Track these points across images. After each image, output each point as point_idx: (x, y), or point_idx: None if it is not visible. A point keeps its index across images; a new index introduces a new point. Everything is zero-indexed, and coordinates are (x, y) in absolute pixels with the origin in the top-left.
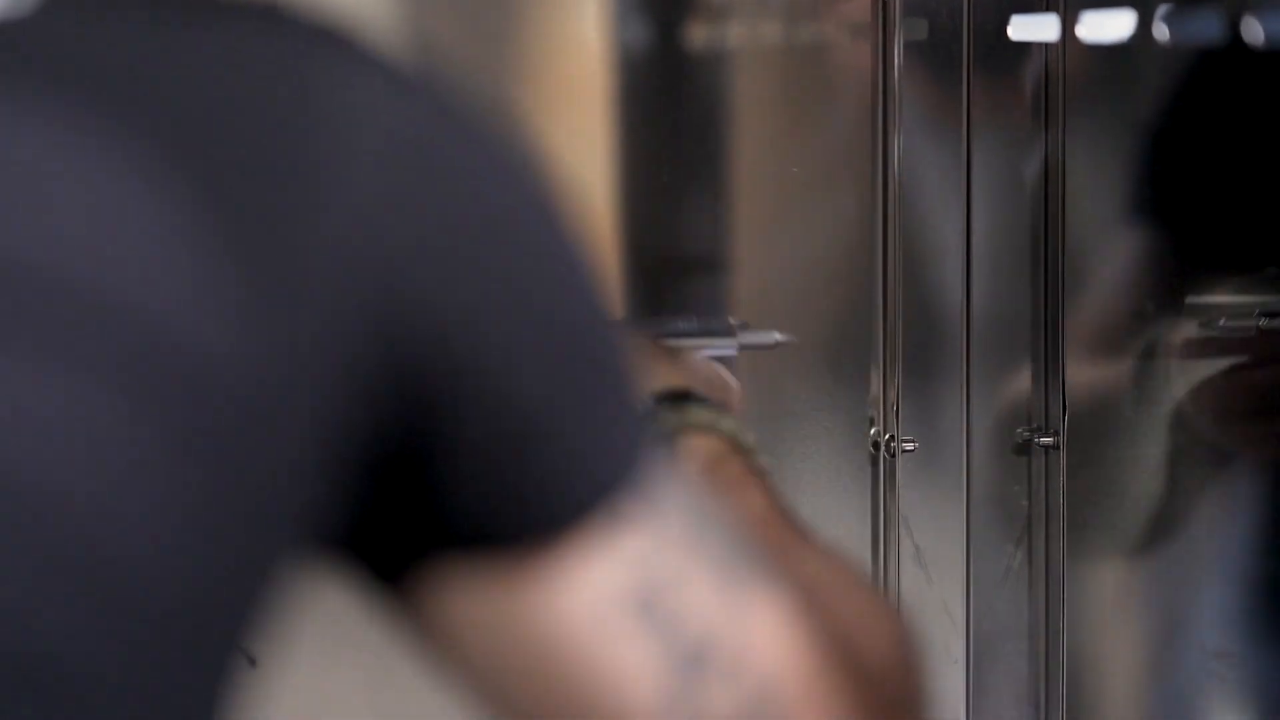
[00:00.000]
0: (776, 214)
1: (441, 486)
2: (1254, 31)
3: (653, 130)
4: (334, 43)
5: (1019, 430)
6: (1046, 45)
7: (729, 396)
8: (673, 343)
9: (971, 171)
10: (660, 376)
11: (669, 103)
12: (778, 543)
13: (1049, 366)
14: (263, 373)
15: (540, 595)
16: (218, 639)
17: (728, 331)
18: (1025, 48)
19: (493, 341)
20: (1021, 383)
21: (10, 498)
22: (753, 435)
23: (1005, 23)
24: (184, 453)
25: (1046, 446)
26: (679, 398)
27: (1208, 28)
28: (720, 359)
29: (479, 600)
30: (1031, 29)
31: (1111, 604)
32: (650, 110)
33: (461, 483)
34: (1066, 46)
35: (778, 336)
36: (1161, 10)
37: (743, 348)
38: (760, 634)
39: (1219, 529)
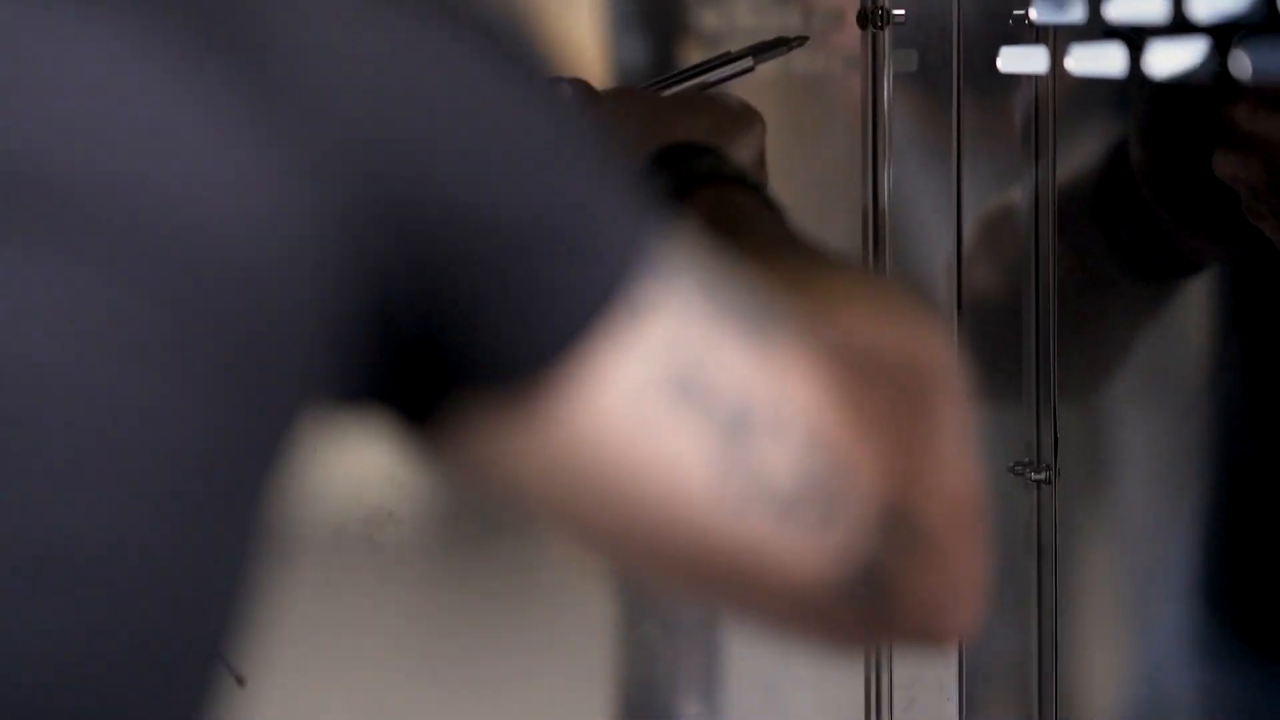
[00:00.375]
0: None
1: (457, 323)
2: (1241, 65)
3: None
4: None
5: (1012, 465)
6: (1036, 77)
7: (747, 127)
8: (685, 85)
9: (962, 202)
10: (661, 132)
11: None
12: (793, 270)
13: (1040, 401)
14: (260, 239)
15: (578, 406)
16: (237, 514)
17: (738, 55)
18: (1015, 79)
19: (481, 171)
20: (1013, 416)
21: (16, 391)
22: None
23: (995, 54)
24: (190, 328)
25: (1039, 482)
26: (679, 152)
27: (1195, 60)
28: (739, 74)
29: (518, 426)
30: (1021, 61)
31: (1103, 637)
32: None
33: (475, 315)
34: (1056, 78)
35: (788, 37)
36: (1150, 43)
37: (758, 62)
38: (796, 384)
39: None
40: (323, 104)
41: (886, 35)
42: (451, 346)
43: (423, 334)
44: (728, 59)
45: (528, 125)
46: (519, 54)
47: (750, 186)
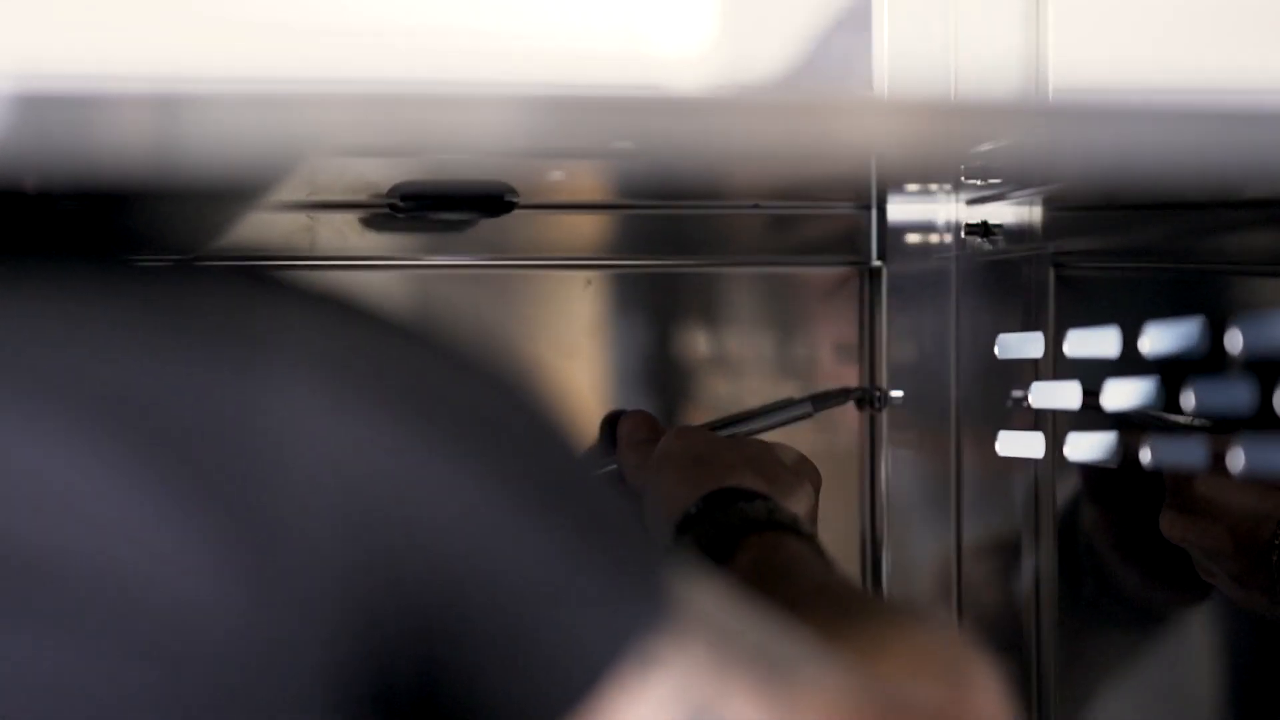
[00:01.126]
0: None
1: (465, 685)
2: (1237, 460)
3: None
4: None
5: None
6: (1035, 461)
7: (801, 479)
8: (746, 426)
9: (962, 574)
10: (719, 472)
11: None
12: (839, 615)
13: None
14: (261, 621)
15: None
16: None
17: (800, 401)
18: (1013, 462)
19: (491, 537)
20: None
21: None
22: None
23: (993, 434)
24: (184, 695)
25: None
26: (735, 495)
27: (1191, 453)
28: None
29: None
30: (1019, 445)
31: None
32: None
33: (484, 674)
34: (1054, 462)
35: (849, 388)
36: (1147, 437)
37: (818, 410)
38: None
39: None
40: (319, 494)
41: (885, 415)
42: (464, 706)
43: (440, 695)
44: (790, 404)
45: (531, 488)
46: (522, 408)
47: (803, 534)
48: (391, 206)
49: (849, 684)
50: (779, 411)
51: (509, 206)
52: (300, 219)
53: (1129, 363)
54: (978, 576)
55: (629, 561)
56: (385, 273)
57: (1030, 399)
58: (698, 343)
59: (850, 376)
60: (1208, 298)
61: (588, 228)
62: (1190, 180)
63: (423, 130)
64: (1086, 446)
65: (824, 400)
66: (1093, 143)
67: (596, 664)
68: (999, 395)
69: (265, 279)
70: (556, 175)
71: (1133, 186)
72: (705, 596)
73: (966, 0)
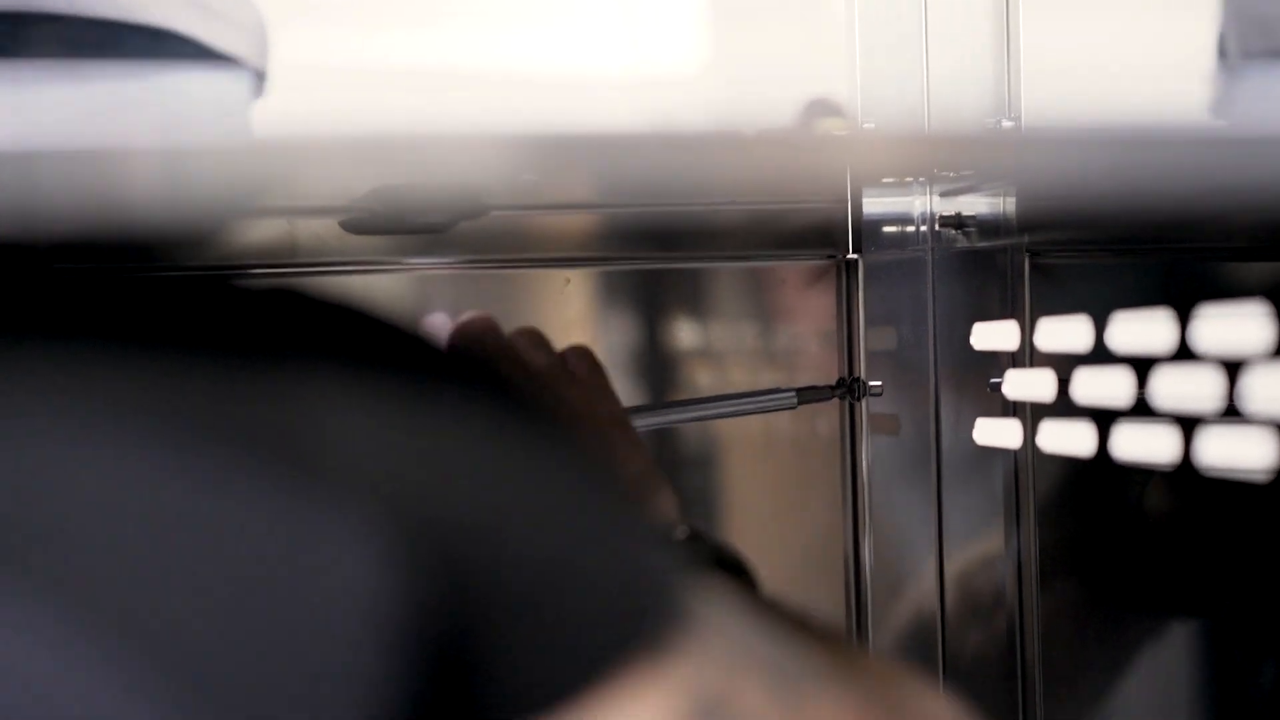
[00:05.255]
0: None
1: (488, 658)
2: (1206, 455)
3: None
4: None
5: None
6: (1014, 452)
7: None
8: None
9: (944, 569)
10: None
11: None
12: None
13: None
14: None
15: None
16: None
17: (785, 391)
18: (993, 453)
19: (518, 523)
20: None
21: None
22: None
23: (971, 422)
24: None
25: None
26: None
27: (1162, 445)
28: (782, 409)
29: None
30: (996, 434)
31: None
32: None
33: (506, 650)
34: (1032, 450)
35: (833, 385)
36: (1119, 423)
37: (802, 402)
38: None
39: None
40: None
41: (865, 404)
42: (483, 686)
43: (457, 679)
44: (776, 392)
45: (559, 481)
46: (539, 419)
47: (741, 572)
48: (370, 211)
49: (853, 699)
50: (763, 397)
51: (486, 209)
52: (279, 225)
53: (1104, 351)
54: (961, 563)
55: (647, 553)
56: (364, 276)
57: (1005, 389)
58: (678, 338)
59: (831, 364)
60: (1185, 283)
61: (566, 227)
62: (1159, 202)
63: (415, 171)
64: (1061, 436)
65: (809, 393)
66: (1063, 167)
67: (612, 646)
68: (978, 383)
69: (309, 356)
70: (530, 178)
71: (1103, 205)
72: (718, 601)
73: (939, 31)
